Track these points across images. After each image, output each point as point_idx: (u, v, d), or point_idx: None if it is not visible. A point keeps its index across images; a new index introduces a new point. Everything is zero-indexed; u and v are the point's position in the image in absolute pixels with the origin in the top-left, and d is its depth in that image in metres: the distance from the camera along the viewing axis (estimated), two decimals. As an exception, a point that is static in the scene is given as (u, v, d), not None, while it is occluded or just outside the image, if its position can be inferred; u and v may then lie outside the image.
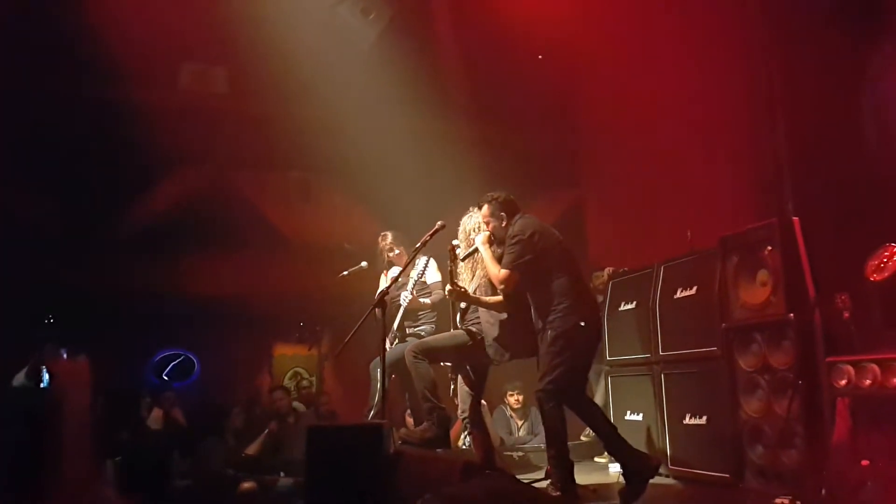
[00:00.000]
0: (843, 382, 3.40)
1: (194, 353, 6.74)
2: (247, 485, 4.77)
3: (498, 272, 4.00)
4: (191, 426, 5.52)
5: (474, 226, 4.31)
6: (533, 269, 3.96)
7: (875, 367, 3.26)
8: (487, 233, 4.16)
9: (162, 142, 6.34)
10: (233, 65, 7.14)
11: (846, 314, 3.50)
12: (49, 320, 5.53)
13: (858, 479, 3.27)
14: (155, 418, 5.51)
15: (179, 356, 6.72)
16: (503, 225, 4.13)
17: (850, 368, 3.37)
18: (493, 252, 4.12)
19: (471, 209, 4.42)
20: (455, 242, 4.35)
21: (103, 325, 5.91)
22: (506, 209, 4.14)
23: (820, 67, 4.39)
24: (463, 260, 4.35)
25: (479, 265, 4.31)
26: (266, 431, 5.49)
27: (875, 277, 3.50)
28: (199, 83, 7.18)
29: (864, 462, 3.28)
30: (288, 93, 6.70)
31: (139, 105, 6.42)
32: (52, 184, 6.40)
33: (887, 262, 3.47)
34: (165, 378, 6.53)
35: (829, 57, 4.35)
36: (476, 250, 4.21)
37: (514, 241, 3.99)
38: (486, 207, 4.18)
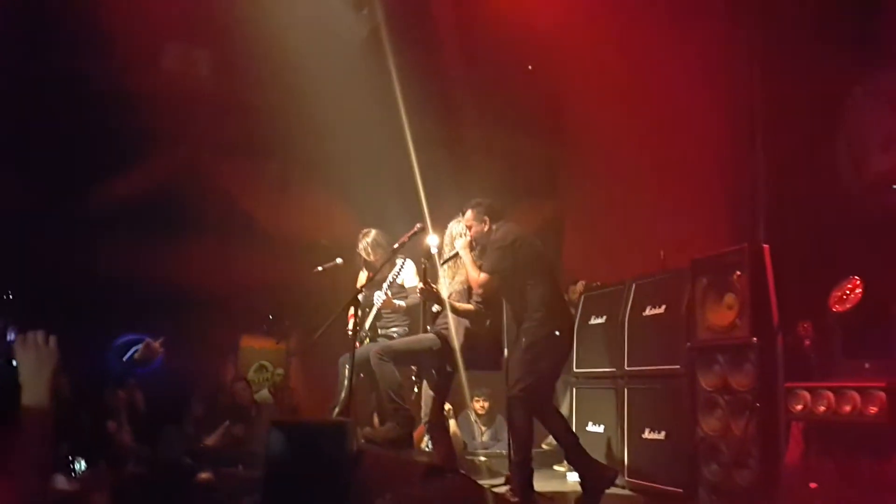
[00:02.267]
0: (799, 407, 3.49)
1: (158, 339, 6.60)
2: (204, 475, 4.69)
3: (478, 276, 4.03)
4: (150, 413, 5.44)
5: (461, 231, 4.33)
6: (512, 275, 3.99)
7: (830, 394, 3.35)
8: (469, 237, 4.18)
9: (137, 122, 6.16)
10: (217, 48, 6.99)
11: (807, 342, 3.60)
12: (7, 296, 5.37)
13: (807, 502, 3.36)
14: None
15: (142, 341, 6.58)
16: (485, 230, 4.15)
17: (807, 394, 3.46)
18: (474, 258, 4.14)
19: (459, 214, 4.43)
20: (433, 241, 4.36)
21: (63, 306, 5.75)
22: (489, 214, 4.17)
23: (801, 97, 4.48)
24: (443, 264, 4.36)
25: (459, 270, 4.33)
26: (226, 423, 5.43)
27: (837, 308, 3.60)
28: (181, 64, 7.05)
29: (813, 485, 3.37)
30: (272, 81, 6.60)
31: (115, 83, 6.23)
32: (20, 160, 6.21)
33: (850, 293, 3.56)
34: (127, 363, 6.39)
35: (810, 88, 4.44)
36: (457, 254, 4.23)
37: (495, 246, 4.02)
38: (469, 212, 4.21)
